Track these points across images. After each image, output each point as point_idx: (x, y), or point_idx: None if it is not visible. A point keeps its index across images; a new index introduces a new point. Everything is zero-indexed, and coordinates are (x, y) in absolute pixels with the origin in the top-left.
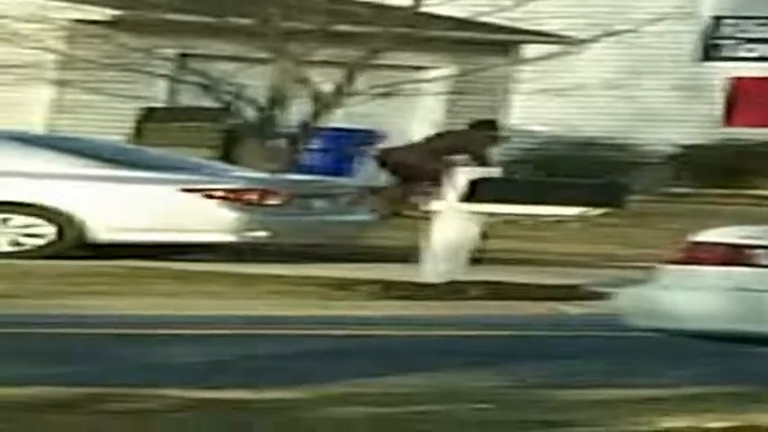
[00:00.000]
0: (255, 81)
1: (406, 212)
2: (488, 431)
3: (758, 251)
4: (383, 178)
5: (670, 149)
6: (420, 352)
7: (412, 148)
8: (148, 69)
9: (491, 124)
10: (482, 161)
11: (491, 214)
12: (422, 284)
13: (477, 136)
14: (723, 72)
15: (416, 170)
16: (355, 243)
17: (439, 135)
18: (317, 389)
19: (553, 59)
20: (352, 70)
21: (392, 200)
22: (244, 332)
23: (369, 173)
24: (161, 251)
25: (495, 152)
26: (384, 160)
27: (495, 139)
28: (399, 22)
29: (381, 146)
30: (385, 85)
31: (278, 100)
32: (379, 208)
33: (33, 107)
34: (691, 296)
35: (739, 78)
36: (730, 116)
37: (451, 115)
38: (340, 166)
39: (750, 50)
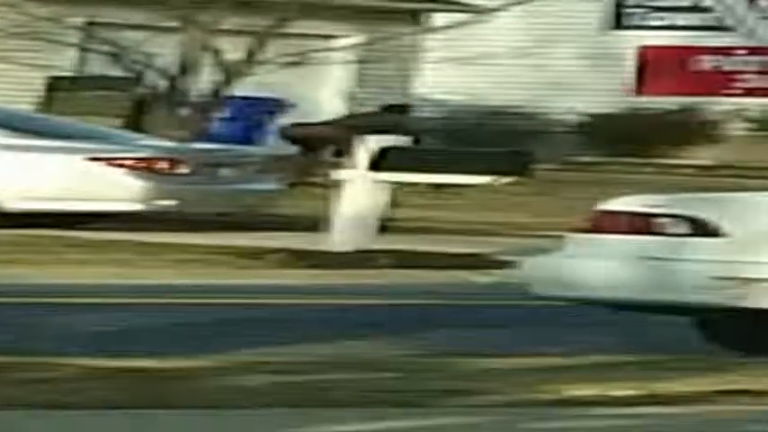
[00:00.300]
0: (165, 50)
1: (313, 181)
2: (392, 399)
3: (663, 220)
4: (292, 147)
5: (578, 118)
6: (327, 321)
7: (320, 123)
8: (57, 38)
9: (401, 108)
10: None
11: (399, 183)
12: (330, 253)
13: (387, 119)
14: (632, 41)
15: (325, 141)
16: (263, 212)
17: (349, 116)
18: (222, 358)
19: (462, 28)
20: (261, 39)
21: (300, 168)
22: (151, 301)
23: (277, 142)
24: (69, 220)
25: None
26: (292, 135)
27: (402, 124)
28: None
29: (288, 121)
30: (294, 54)
31: (187, 69)
32: (287, 176)
33: None
34: (597, 265)
35: (648, 47)
36: (640, 85)
37: (360, 84)
38: (248, 134)
39: (659, 19)
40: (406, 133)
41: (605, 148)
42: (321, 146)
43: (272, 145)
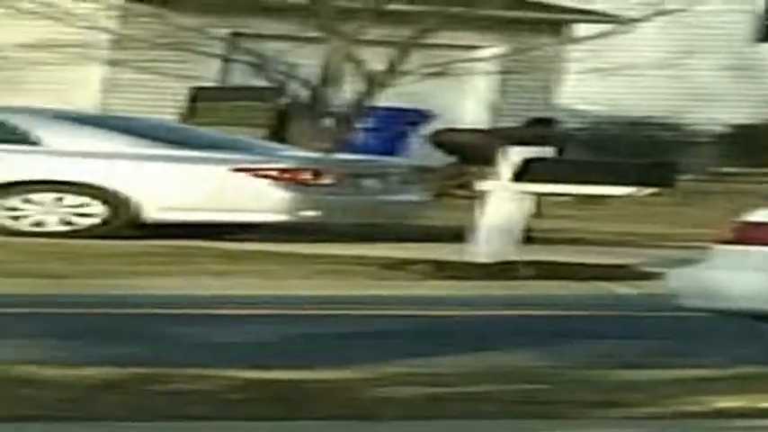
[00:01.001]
0: (307, 60)
1: (458, 192)
2: (541, 411)
3: None
4: (434, 158)
5: (721, 129)
6: (473, 332)
7: (471, 131)
8: (200, 49)
9: (548, 122)
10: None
11: (543, 194)
12: (473, 264)
13: (536, 131)
14: None
15: (474, 150)
16: (407, 223)
17: (500, 128)
18: (370, 369)
19: (604, 39)
20: (403, 49)
21: (445, 180)
22: (295, 312)
23: (420, 152)
24: (212, 231)
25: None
26: (440, 140)
27: (548, 138)
28: (450, 1)
29: (437, 126)
30: (436, 65)
31: (330, 79)
32: (432, 188)
33: (86, 86)
34: (742, 276)
35: None
36: None
37: (502, 94)
38: (391, 145)
39: None
40: (551, 145)
41: (748, 158)
42: (472, 153)
43: (415, 156)
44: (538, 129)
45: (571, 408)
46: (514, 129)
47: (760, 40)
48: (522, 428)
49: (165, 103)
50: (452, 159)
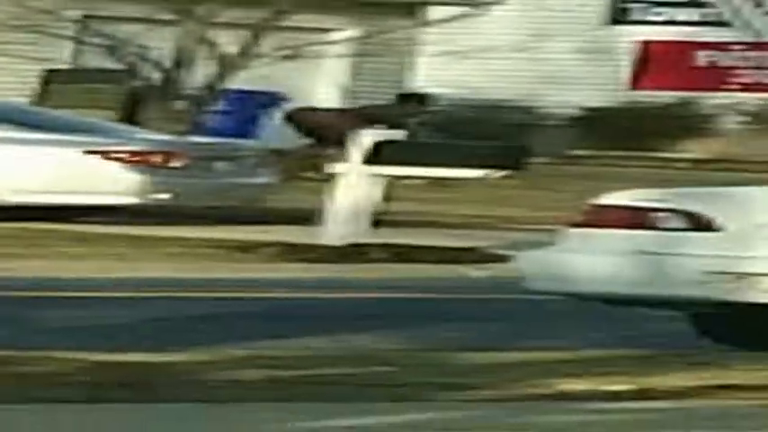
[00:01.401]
0: (160, 43)
1: (310, 174)
2: (386, 393)
3: (658, 214)
4: (287, 140)
5: (574, 112)
6: (321, 314)
7: (330, 111)
8: (53, 31)
9: (419, 98)
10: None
11: (393, 176)
12: (324, 247)
13: (399, 110)
14: (630, 35)
15: (331, 130)
16: (258, 205)
17: (363, 107)
18: (217, 351)
19: (458, 21)
20: (256, 32)
21: (298, 162)
22: (145, 295)
23: (273, 135)
24: (65, 213)
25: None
26: (298, 120)
27: (416, 115)
28: None
29: (294, 106)
30: (289, 47)
31: (182, 62)
32: (284, 170)
33: None
34: (591, 259)
35: (647, 42)
36: (637, 80)
37: (355, 77)
38: (244, 128)
39: (658, 14)
40: (420, 122)
41: (601, 141)
42: (329, 134)
43: (268, 138)
44: (406, 107)
45: (419, 390)
46: (379, 107)
47: (613, 23)
48: (370, 411)
49: (16, 86)
50: (306, 141)
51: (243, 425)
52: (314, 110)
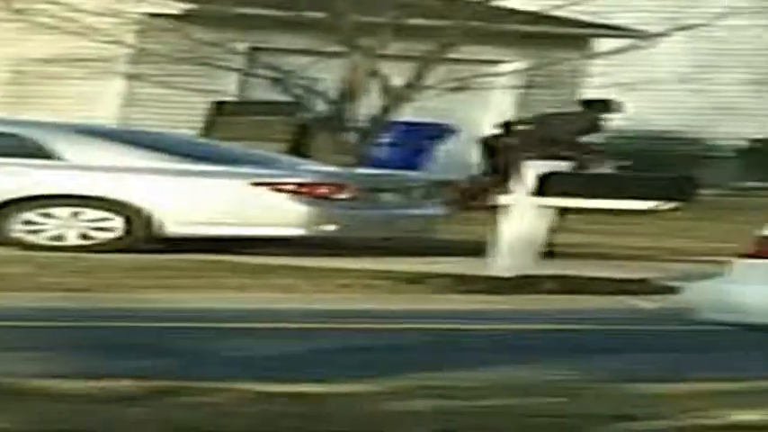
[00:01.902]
0: (327, 75)
1: (476, 205)
2: (559, 425)
3: None
4: (455, 172)
5: (743, 143)
6: (491, 346)
7: (520, 133)
8: (220, 63)
9: (603, 104)
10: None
11: (562, 208)
12: (493, 278)
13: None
14: None
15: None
16: (426, 237)
17: (548, 116)
18: (388, 382)
19: (625, 53)
20: (423, 64)
21: (466, 193)
22: (315, 326)
23: (441, 167)
24: (232, 245)
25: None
26: (491, 145)
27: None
28: (471, 16)
29: (489, 131)
30: (456, 79)
31: (349, 94)
32: (453, 201)
33: (105, 101)
34: (761, 290)
35: None
36: None
37: (522, 110)
38: (411, 160)
39: None
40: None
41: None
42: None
43: (436, 170)
44: (591, 113)
45: (587, 421)
46: (562, 114)
47: None
48: None
49: (184, 118)
50: (473, 173)
51: None
52: (505, 133)
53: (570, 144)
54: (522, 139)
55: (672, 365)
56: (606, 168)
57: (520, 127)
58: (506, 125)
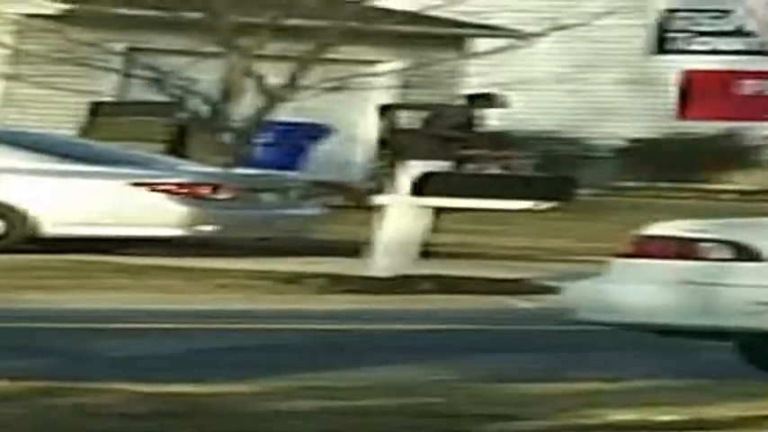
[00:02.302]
0: (206, 75)
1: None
2: (434, 425)
3: (706, 245)
4: (333, 172)
5: (620, 143)
6: (370, 346)
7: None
8: (98, 64)
9: (486, 98)
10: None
11: (438, 208)
12: (371, 278)
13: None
14: (675, 65)
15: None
16: (305, 237)
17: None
18: (266, 382)
19: (502, 53)
20: (301, 64)
21: (343, 193)
22: (193, 326)
23: (317, 166)
24: (111, 245)
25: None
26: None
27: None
28: (349, 16)
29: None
30: (335, 80)
31: (228, 94)
32: (329, 201)
33: None
34: (639, 289)
35: (692, 71)
36: (683, 109)
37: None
38: (289, 160)
39: (703, 44)
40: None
41: (647, 172)
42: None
43: (314, 170)
44: (474, 108)
45: (468, 421)
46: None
47: (655, 53)
48: None
49: (62, 118)
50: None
51: None
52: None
53: (456, 139)
54: (409, 138)
55: (549, 365)
56: (494, 167)
57: (406, 122)
58: (384, 108)
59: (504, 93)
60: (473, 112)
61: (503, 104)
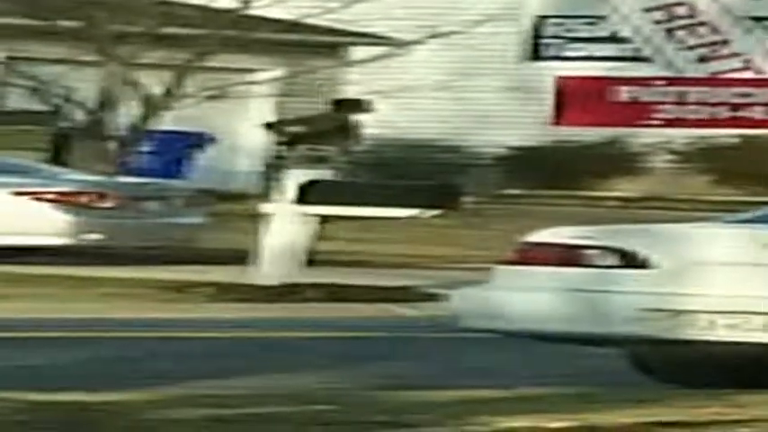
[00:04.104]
0: (84, 84)
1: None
2: None
3: (591, 251)
4: (214, 181)
5: (501, 151)
6: (258, 354)
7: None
8: None
9: (354, 103)
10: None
11: (323, 216)
12: (257, 287)
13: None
14: (550, 72)
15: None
16: (190, 245)
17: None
18: (154, 391)
19: (380, 61)
20: (180, 73)
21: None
22: (79, 335)
23: (199, 175)
24: None
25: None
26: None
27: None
28: (227, 25)
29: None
30: (214, 88)
31: (107, 102)
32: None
33: None
34: (524, 297)
35: (566, 78)
36: (559, 116)
37: (281, 117)
38: (170, 168)
39: (577, 50)
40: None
41: (529, 180)
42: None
43: (196, 178)
44: (341, 113)
45: (359, 428)
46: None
47: (530, 60)
48: None
49: None
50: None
51: None
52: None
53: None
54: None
55: (437, 373)
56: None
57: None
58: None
59: (377, 99)
60: (343, 117)
61: (368, 109)
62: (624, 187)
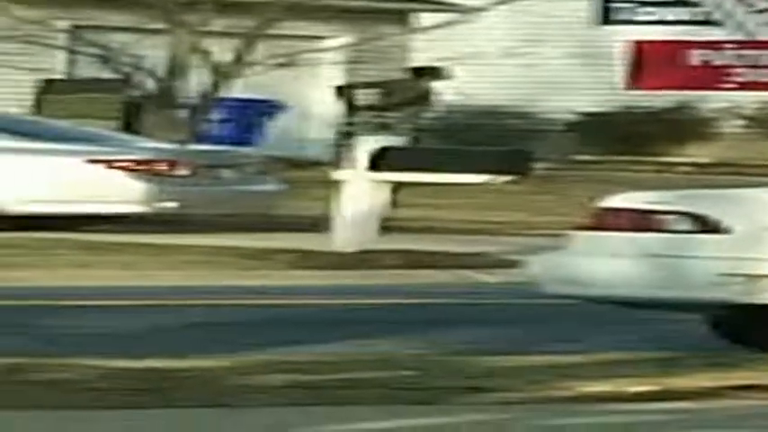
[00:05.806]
0: (153, 52)
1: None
2: (409, 397)
3: (666, 217)
4: (287, 148)
5: (571, 117)
6: (340, 321)
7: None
8: (45, 41)
9: (433, 72)
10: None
11: (396, 183)
12: (335, 253)
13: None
14: (619, 37)
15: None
16: (265, 213)
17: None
18: (239, 358)
19: (449, 28)
20: (249, 40)
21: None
22: (159, 303)
23: (271, 142)
24: (70, 223)
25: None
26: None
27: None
28: None
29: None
30: (283, 55)
31: (176, 70)
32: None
33: None
34: (602, 262)
35: (639, 42)
36: (632, 80)
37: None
38: (242, 136)
39: (649, 14)
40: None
41: (600, 146)
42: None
43: (269, 145)
44: (421, 81)
45: (441, 394)
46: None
47: (603, 24)
48: (388, 414)
49: (11, 97)
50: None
51: (267, 429)
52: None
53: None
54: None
55: (517, 338)
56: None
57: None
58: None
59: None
60: (423, 85)
61: (447, 77)
62: (695, 152)
